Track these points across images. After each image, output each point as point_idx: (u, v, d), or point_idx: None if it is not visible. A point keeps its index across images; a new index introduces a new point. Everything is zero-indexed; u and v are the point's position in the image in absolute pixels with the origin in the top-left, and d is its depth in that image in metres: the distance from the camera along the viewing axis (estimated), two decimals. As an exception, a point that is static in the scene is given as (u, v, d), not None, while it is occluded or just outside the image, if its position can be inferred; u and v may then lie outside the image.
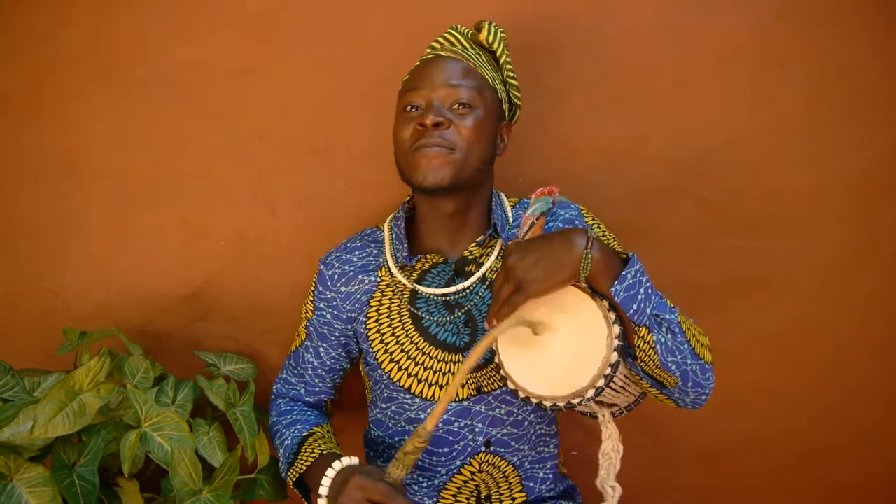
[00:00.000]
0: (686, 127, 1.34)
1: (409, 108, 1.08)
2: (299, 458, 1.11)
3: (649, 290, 0.94)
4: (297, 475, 1.11)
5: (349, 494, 0.96)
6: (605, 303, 0.94)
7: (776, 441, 1.47)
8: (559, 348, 0.95)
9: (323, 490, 1.01)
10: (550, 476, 1.19)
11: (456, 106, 1.06)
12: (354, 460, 1.04)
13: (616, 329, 0.92)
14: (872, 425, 1.45)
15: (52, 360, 1.36)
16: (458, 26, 1.15)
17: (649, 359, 0.94)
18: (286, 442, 1.16)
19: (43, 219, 1.44)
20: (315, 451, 1.10)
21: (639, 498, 1.52)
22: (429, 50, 1.15)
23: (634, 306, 0.92)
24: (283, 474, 1.15)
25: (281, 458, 1.16)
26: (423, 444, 0.94)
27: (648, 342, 0.93)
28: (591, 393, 0.91)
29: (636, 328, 0.93)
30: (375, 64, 1.36)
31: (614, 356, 0.91)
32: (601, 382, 0.90)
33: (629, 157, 1.36)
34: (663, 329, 0.94)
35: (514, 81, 1.15)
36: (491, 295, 1.00)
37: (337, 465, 1.02)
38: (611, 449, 0.99)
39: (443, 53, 1.11)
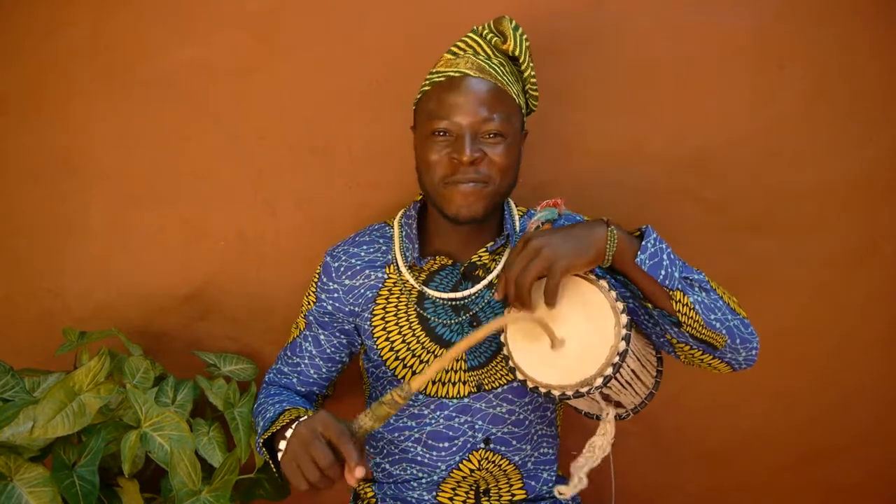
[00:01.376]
0: (686, 127, 1.34)
1: (438, 133, 1.05)
2: (274, 424, 1.05)
3: (672, 255, 0.96)
4: (267, 435, 1.05)
5: (307, 423, 0.90)
6: (613, 293, 0.95)
7: (777, 441, 1.47)
8: (568, 338, 0.96)
9: (288, 433, 0.95)
10: (554, 478, 1.20)
11: (487, 136, 1.04)
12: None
13: (624, 318, 0.92)
14: (873, 425, 1.45)
15: (52, 360, 1.36)
16: (479, 29, 1.11)
17: (693, 321, 0.95)
18: (267, 415, 1.10)
19: (43, 219, 1.44)
20: (293, 415, 1.04)
21: (641, 498, 1.52)
22: (450, 56, 1.10)
23: (662, 272, 0.94)
24: (257, 447, 1.09)
25: (258, 431, 1.10)
26: (402, 400, 0.88)
27: (687, 304, 0.94)
28: (599, 381, 0.91)
29: (671, 293, 0.94)
30: (375, 64, 1.36)
31: (622, 345, 0.91)
32: (609, 371, 0.91)
33: (629, 157, 1.36)
34: (696, 288, 0.96)
35: (534, 91, 1.13)
36: (506, 282, 0.94)
37: (310, 415, 0.96)
38: (599, 445, 0.99)
39: (470, 72, 1.05)
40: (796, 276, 1.39)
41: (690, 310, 0.94)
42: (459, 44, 1.10)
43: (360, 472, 0.84)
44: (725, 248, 1.38)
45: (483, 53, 1.09)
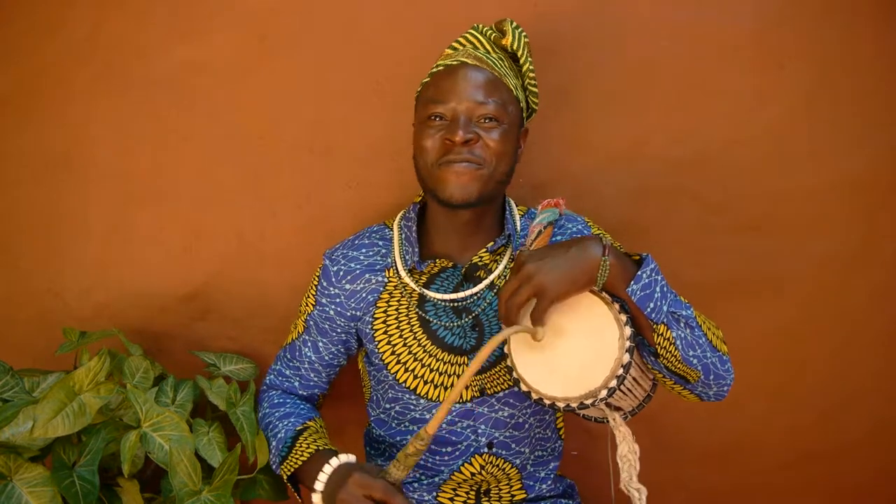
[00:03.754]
0: (686, 127, 1.34)
1: (433, 118, 1.06)
2: (293, 452, 1.10)
3: (665, 289, 0.96)
4: (291, 471, 1.10)
5: (348, 490, 0.96)
6: (617, 305, 0.95)
7: (778, 441, 1.47)
8: (572, 350, 0.95)
9: (319, 486, 1.01)
10: (551, 476, 1.20)
11: (482, 120, 1.05)
12: (351, 458, 1.04)
13: (627, 330, 0.93)
14: (874, 425, 1.45)
15: (52, 360, 1.36)
16: (480, 26, 1.13)
17: (671, 355, 0.96)
18: (279, 435, 1.15)
19: (43, 219, 1.44)
20: (311, 446, 1.10)
21: (640, 498, 1.52)
22: (450, 51, 1.13)
23: (651, 304, 0.93)
24: (275, 467, 1.14)
25: (272, 451, 1.15)
26: (423, 446, 0.94)
27: (668, 339, 0.94)
28: (603, 393, 0.91)
29: (655, 326, 0.94)
30: (375, 64, 1.36)
31: (626, 357, 0.92)
32: (613, 383, 0.91)
33: (629, 157, 1.36)
34: (681, 325, 0.96)
35: (534, 88, 1.14)
36: (498, 301, 0.99)
37: (334, 462, 1.02)
38: (627, 451, 1.00)
39: (468, 61, 1.08)
40: (796, 276, 1.39)
41: (671, 344, 0.95)
42: (460, 39, 1.13)
43: None
44: (725, 248, 1.38)
45: (482, 48, 1.11)
